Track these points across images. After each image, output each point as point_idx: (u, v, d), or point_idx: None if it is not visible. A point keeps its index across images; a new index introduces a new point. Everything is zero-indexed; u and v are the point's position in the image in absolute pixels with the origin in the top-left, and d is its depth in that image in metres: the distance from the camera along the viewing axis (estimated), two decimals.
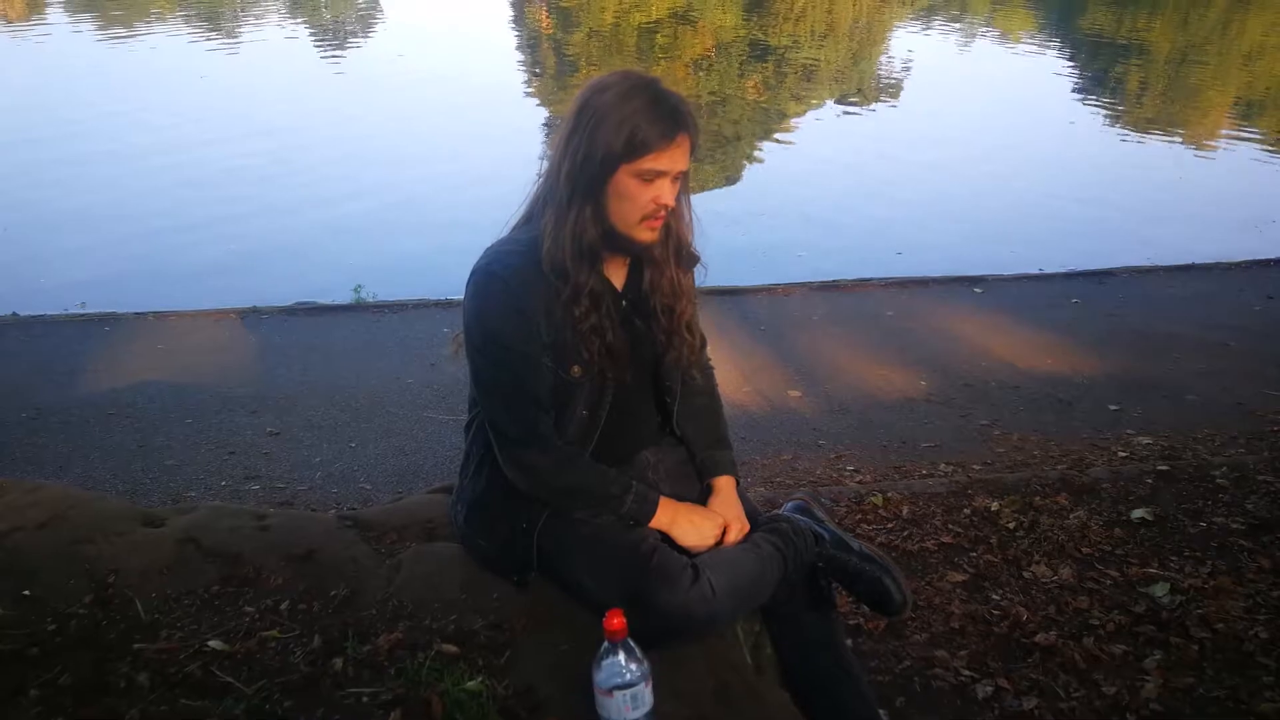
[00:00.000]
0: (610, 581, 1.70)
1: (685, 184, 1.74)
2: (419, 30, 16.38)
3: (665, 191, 1.65)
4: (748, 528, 1.83)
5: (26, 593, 1.78)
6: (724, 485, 1.90)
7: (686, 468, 1.94)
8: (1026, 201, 7.94)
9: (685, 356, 1.85)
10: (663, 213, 1.67)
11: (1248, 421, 4.01)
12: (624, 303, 1.79)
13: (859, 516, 2.96)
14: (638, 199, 1.65)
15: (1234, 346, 4.82)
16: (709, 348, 2.05)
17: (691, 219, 1.80)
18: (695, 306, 1.88)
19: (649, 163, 1.62)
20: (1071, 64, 14.59)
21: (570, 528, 1.76)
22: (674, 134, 1.62)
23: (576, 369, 1.72)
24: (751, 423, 4.07)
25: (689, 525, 1.78)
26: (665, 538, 1.76)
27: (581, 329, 1.69)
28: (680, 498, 1.84)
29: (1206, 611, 2.43)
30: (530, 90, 12.59)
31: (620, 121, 1.61)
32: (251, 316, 5.14)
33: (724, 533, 1.81)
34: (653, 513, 1.76)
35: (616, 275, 1.79)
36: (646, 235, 1.69)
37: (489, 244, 1.75)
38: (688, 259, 1.83)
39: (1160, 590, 2.53)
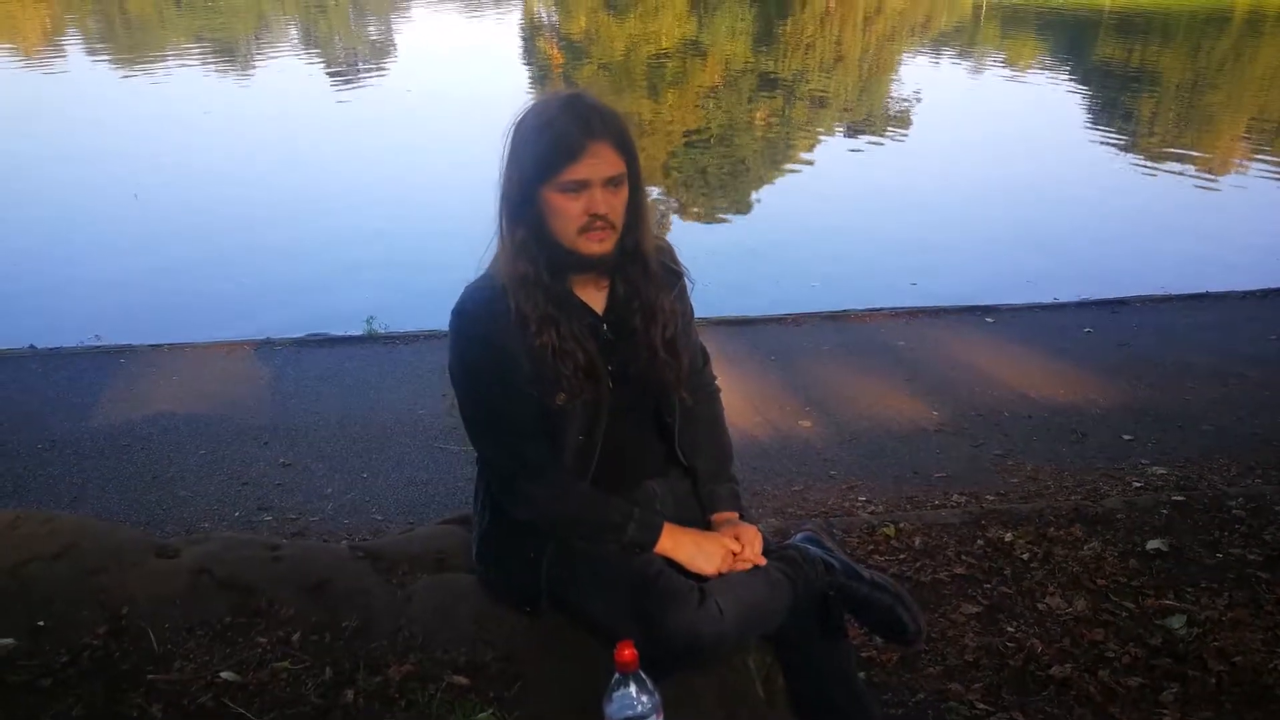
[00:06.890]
0: (618, 605, 1.70)
1: (636, 191, 1.71)
2: (428, 65, 16.55)
3: (596, 200, 1.64)
4: (760, 539, 1.80)
5: (40, 623, 1.80)
6: (722, 523, 1.89)
7: (694, 499, 1.93)
8: (1039, 230, 7.93)
9: (671, 378, 1.82)
10: (599, 222, 1.65)
11: (1264, 451, 3.98)
12: (604, 325, 1.78)
13: (871, 547, 2.94)
14: (569, 213, 1.65)
15: (1250, 376, 4.78)
16: (717, 374, 2.04)
17: (645, 226, 1.75)
18: (682, 325, 1.84)
19: (567, 175, 1.62)
20: (1083, 93, 14.63)
21: (577, 556, 1.76)
22: (583, 142, 1.62)
23: (561, 395, 1.71)
24: (762, 453, 4.06)
25: (695, 549, 1.75)
26: (671, 563, 1.74)
27: (548, 355, 1.68)
28: None
29: (1224, 644, 2.39)
30: None
31: (533, 143, 1.64)
32: (264, 348, 5.17)
33: (734, 558, 1.77)
34: (656, 538, 1.75)
35: (595, 297, 1.79)
36: (593, 247, 1.67)
37: (469, 281, 1.77)
38: (660, 273, 1.81)
39: (1177, 622, 2.50)
